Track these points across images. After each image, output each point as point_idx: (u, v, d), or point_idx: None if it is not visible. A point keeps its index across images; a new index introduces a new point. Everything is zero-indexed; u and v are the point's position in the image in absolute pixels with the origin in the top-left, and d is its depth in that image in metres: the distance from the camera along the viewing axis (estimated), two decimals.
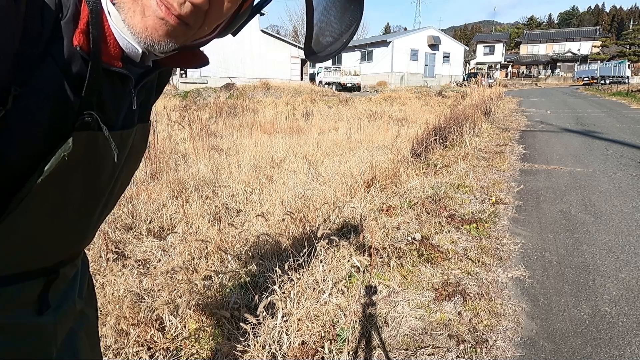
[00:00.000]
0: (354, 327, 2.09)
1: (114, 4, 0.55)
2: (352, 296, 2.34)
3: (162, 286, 2.31)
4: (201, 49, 0.68)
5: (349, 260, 2.63)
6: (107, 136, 0.60)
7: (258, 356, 1.87)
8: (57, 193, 0.59)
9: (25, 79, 0.51)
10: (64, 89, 0.55)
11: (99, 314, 0.91)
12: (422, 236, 3.31)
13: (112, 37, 0.58)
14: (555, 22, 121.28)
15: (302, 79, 29.82)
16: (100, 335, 1.87)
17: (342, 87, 27.15)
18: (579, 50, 62.68)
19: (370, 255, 2.61)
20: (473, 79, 31.32)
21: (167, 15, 0.54)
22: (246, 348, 1.89)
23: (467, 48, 54.15)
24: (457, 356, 2.03)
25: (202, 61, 0.70)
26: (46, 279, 0.67)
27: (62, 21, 0.53)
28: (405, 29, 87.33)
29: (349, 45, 0.74)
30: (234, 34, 0.69)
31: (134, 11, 0.54)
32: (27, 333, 0.65)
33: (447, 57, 39.76)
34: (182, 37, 0.58)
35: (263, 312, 1.99)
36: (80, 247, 0.76)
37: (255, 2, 0.66)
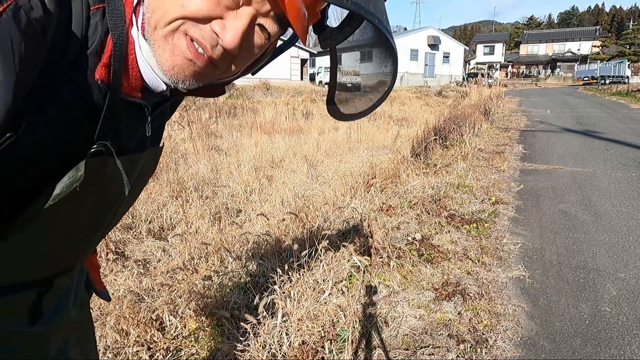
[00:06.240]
0: (354, 327, 2.09)
1: (145, 39, 0.55)
2: (352, 296, 2.34)
3: (162, 286, 2.31)
4: None
5: (349, 260, 2.63)
6: (119, 167, 0.59)
7: (258, 356, 1.87)
8: (62, 216, 0.59)
9: (40, 105, 0.50)
10: (78, 118, 0.54)
11: (93, 321, 0.90)
12: (422, 236, 3.31)
13: (135, 69, 0.58)
14: (555, 22, 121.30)
15: (302, 79, 29.81)
16: (100, 335, 1.88)
17: None
18: (578, 50, 62.67)
19: (370, 255, 2.61)
20: (473, 79, 31.32)
21: (195, 57, 0.54)
22: (246, 348, 1.89)
23: (467, 48, 54.14)
24: (457, 356, 2.03)
25: (219, 92, 0.70)
26: (40, 289, 0.66)
27: (87, 52, 0.53)
28: (405, 28, 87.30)
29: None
30: (254, 74, 0.70)
31: (163, 49, 0.54)
32: (19, 343, 0.65)
33: (447, 57, 39.75)
34: (208, 78, 0.59)
35: (263, 311, 1.99)
36: (78, 261, 0.76)
37: (278, 45, 0.67)
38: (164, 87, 0.60)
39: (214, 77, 0.59)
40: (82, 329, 0.82)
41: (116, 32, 0.53)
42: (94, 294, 0.89)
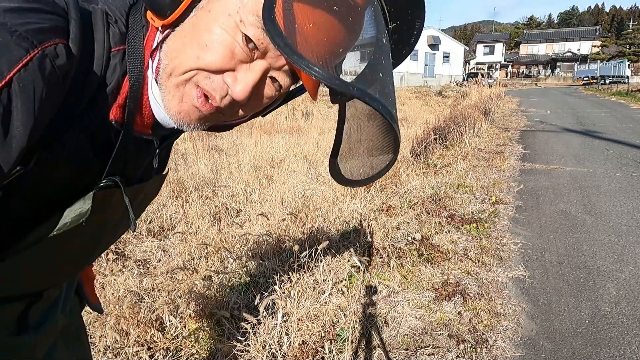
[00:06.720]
0: (354, 327, 2.09)
1: (157, 82, 0.56)
2: (352, 296, 2.34)
3: (162, 286, 2.31)
4: None
5: (349, 260, 2.63)
6: (126, 202, 0.61)
7: (258, 356, 1.87)
8: (62, 241, 0.60)
9: (51, 141, 0.51)
10: (87, 153, 0.56)
11: (84, 324, 0.90)
12: (422, 236, 3.31)
13: (147, 108, 0.59)
14: (555, 22, 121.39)
15: None
16: (100, 335, 1.88)
17: None
18: (578, 50, 62.71)
19: (370, 255, 2.62)
20: (473, 79, 31.32)
21: (202, 106, 0.55)
22: (246, 348, 1.89)
23: (467, 48, 54.18)
24: (457, 356, 2.03)
25: (227, 129, 0.70)
26: (28, 301, 0.67)
27: (104, 91, 0.54)
28: None
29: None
30: (264, 116, 0.70)
31: (172, 95, 0.55)
32: (5, 351, 0.65)
33: (447, 57, 39.75)
34: (213, 121, 0.59)
35: (263, 311, 1.99)
36: (72, 278, 0.77)
37: (291, 89, 0.66)
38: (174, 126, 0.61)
39: (219, 121, 0.60)
40: (72, 332, 0.82)
41: (134, 74, 0.55)
42: (86, 305, 0.89)
